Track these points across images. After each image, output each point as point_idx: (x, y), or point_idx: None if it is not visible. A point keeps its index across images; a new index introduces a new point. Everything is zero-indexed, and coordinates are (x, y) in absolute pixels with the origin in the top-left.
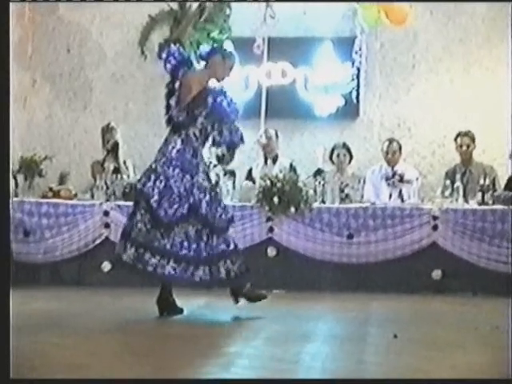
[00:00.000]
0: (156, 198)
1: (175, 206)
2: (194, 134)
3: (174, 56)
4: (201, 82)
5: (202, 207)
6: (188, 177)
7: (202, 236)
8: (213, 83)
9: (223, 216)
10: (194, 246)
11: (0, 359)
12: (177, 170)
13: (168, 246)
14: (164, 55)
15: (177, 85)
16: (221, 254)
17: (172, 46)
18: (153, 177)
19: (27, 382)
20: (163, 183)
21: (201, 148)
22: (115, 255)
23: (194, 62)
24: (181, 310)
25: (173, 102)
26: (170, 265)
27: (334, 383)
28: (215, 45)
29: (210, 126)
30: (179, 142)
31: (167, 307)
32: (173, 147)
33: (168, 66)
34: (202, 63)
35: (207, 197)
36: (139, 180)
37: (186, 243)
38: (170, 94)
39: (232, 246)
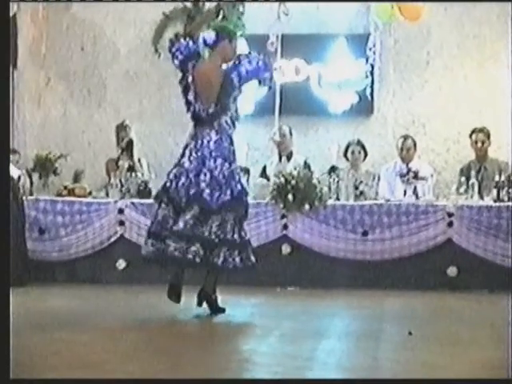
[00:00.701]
0: (207, 191)
1: (219, 194)
2: (227, 122)
3: (181, 50)
4: (217, 72)
5: (243, 194)
6: (227, 165)
7: (242, 222)
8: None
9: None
10: (237, 232)
11: (0, 359)
12: (219, 160)
13: (222, 236)
14: (173, 50)
15: (190, 79)
16: (248, 241)
17: (181, 40)
18: (191, 173)
19: (27, 382)
20: (208, 176)
21: (233, 133)
22: (150, 254)
23: (202, 54)
24: (223, 310)
25: (191, 97)
26: (223, 253)
27: (333, 383)
28: (217, 30)
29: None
30: (213, 133)
31: (208, 301)
32: (208, 141)
33: (176, 61)
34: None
35: (243, 183)
36: (170, 179)
37: (231, 229)
38: (186, 89)
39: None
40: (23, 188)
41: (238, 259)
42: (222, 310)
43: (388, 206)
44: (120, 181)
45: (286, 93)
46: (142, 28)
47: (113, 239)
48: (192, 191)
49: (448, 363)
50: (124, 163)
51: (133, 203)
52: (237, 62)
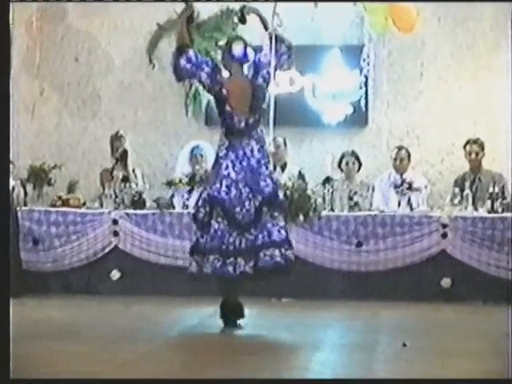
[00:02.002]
0: (280, 192)
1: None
2: (261, 130)
3: (207, 64)
4: (246, 81)
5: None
6: (271, 171)
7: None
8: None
9: None
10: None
11: (0, 360)
12: (264, 169)
13: (265, 237)
14: (188, 65)
15: (224, 92)
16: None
17: (190, 52)
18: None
19: (26, 382)
20: (268, 180)
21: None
22: (195, 273)
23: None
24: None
25: (229, 108)
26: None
27: (333, 383)
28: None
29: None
30: (254, 143)
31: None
32: (251, 150)
33: (202, 74)
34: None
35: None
36: (217, 190)
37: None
38: (222, 102)
39: None
40: (17, 198)
41: (279, 258)
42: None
43: (382, 217)
44: (114, 191)
45: (280, 104)
46: (137, 39)
47: (107, 250)
48: (248, 203)
49: (442, 374)
50: (118, 173)
51: (127, 214)
52: (256, 65)
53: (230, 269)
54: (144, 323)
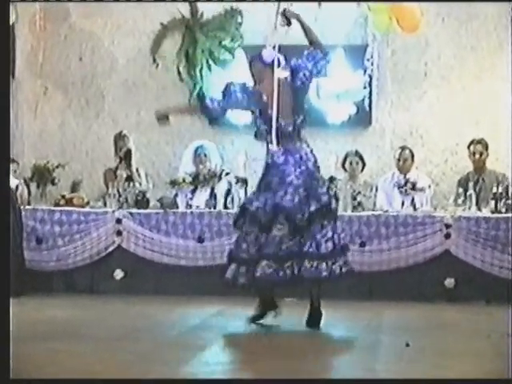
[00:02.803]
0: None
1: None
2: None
3: (239, 93)
4: (287, 88)
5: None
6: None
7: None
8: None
9: None
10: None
11: (0, 360)
12: (318, 170)
13: (313, 247)
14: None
15: (265, 98)
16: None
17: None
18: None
19: (26, 382)
20: (325, 186)
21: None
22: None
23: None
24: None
25: (272, 111)
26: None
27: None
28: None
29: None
30: (305, 145)
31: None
32: (306, 153)
33: (244, 103)
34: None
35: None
36: (281, 197)
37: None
38: (264, 108)
39: None
40: (21, 198)
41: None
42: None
43: (386, 217)
44: (118, 191)
45: None
46: (141, 38)
47: (110, 249)
48: (306, 208)
49: (444, 375)
50: (122, 173)
51: (130, 213)
52: (293, 69)
53: (281, 274)
54: (147, 322)
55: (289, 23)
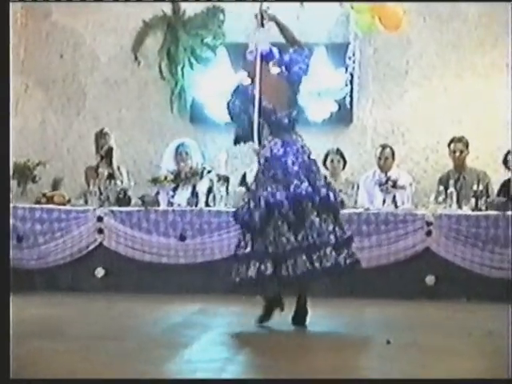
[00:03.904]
0: (331, 194)
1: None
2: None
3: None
4: (282, 81)
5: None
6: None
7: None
8: None
9: None
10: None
11: (0, 360)
12: (315, 163)
13: (311, 241)
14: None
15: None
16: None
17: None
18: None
19: (26, 382)
20: (322, 180)
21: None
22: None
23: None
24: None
25: (268, 104)
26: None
27: (332, 383)
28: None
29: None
30: (299, 138)
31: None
32: (302, 146)
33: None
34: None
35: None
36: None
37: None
38: (260, 100)
39: None
40: None
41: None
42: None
43: (367, 215)
44: (99, 188)
45: None
46: (123, 36)
47: (92, 247)
48: (317, 198)
49: (426, 372)
50: (103, 171)
51: (112, 211)
52: (287, 63)
53: (285, 273)
54: (129, 320)
55: (262, 25)
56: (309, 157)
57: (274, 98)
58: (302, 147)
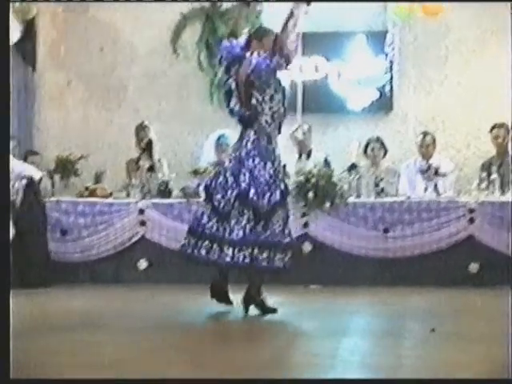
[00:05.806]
0: (253, 190)
1: (269, 195)
2: (266, 121)
3: (227, 54)
4: (249, 79)
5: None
6: (269, 164)
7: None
8: None
9: None
10: (287, 231)
11: (0, 359)
12: (257, 160)
13: (269, 236)
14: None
15: (233, 84)
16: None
17: (224, 42)
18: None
19: (25, 382)
20: (247, 175)
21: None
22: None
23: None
24: (274, 310)
25: (236, 99)
26: (278, 256)
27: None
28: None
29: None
30: (252, 133)
31: (258, 304)
32: (247, 141)
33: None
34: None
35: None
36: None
37: (282, 229)
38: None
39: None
40: (45, 190)
41: (286, 259)
42: (274, 310)
43: (409, 203)
44: (141, 181)
45: (305, 91)
46: (161, 28)
47: (134, 239)
48: (235, 192)
49: (470, 360)
50: (144, 163)
51: (153, 203)
52: (255, 63)
53: (248, 260)
54: (171, 312)
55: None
56: (248, 153)
57: (241, 93)
58: (247, 142)
